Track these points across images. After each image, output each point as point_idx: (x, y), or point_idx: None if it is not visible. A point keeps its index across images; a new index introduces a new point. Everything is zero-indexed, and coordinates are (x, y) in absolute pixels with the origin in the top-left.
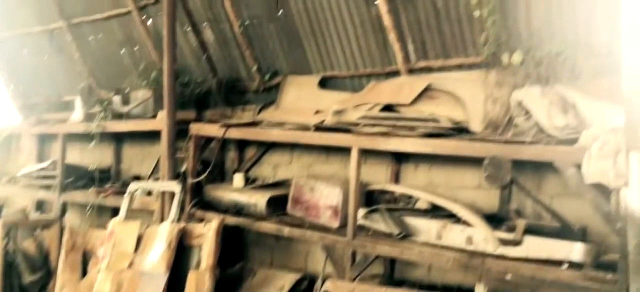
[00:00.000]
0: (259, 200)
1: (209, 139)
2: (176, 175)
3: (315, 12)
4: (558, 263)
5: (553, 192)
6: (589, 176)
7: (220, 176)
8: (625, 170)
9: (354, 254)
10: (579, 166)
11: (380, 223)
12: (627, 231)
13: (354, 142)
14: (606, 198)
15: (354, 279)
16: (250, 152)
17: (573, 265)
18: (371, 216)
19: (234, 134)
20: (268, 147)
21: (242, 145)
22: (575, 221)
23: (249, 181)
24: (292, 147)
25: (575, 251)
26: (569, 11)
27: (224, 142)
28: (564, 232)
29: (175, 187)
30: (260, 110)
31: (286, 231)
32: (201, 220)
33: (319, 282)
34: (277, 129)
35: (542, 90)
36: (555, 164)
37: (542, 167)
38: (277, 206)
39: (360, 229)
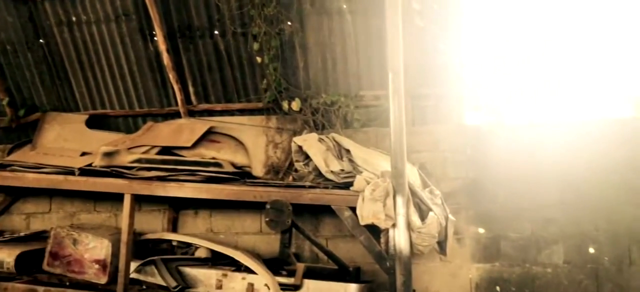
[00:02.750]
0: (5, 257)
1: None
2: None
3: (84, 43)
4: None
5: (329, 234)
6: (362, 218)
7: None
8: (393, 212)
9: None
10: (354, 209)
11: (156, 276)
12: (396, 269)
13: (127, 187)
14: (377, 239)
15: None
16: None
17: None
18: (145, 268)
19: None
20: (20, 194)
21: None
22: (349, 261)
23: None
24: (52, 193)
25: (350, 291)
26: (341, 64)
27: None
28: (340, 273)
29: None
30: (10, 151)
31: (41, 291)
32: None
33: None
34: (32, 172)
35: (319, 136)
36: (332, 207)
37: (319, 211)
38: (31, 263)
39: (132, 284)
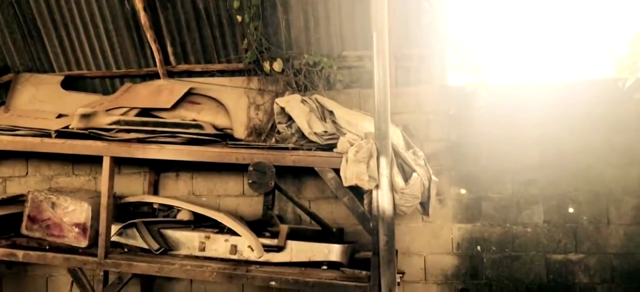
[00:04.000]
0: None
1: None
2: None
3: (56, 0)
4: (319, 265)
5: (311, 196)
6: (346, 179)
7: None
8: (377, 173)
9: (106, 275)
10: (337, 171)
11: (137, 239)
12: (379, 229)
13: (106, 150)
14: (360, 200)
15: None
16: None
17: (332, 265)
18: (127, 231)
19: None
20: None
21: None
22: (332, 222)
23: None
24: (28, 156)
25: (333, 251)
26: (324, 23)
27: None
28: (323, 234)
29: None
30: None
31: (20, 255)
32: None
33: None
34: (7, 135)
35: (302, 98)
36: (316, 169)
37: (302, 173)
38: (8, 226)
39: (114, 247)
